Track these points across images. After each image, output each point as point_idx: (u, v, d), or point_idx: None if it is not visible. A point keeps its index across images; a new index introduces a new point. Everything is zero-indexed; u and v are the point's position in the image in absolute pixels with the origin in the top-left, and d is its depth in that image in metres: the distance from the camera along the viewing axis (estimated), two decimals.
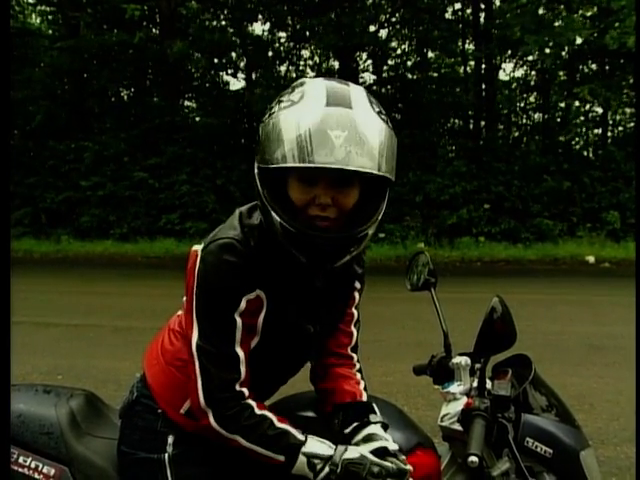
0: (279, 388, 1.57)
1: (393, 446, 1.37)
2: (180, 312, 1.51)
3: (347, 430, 1.41)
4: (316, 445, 1.33)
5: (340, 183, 1.26)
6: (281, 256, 1.33)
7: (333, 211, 1.27)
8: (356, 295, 1.56)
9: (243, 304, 1.33)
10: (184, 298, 1.43)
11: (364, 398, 1.50)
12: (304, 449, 1.32)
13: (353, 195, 1.29)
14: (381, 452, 1.35)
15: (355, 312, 1.57)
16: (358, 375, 1.56)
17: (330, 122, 1.21)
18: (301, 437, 1.34)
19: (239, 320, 1.33)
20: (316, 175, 1.25)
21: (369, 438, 1.39)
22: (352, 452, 1.33)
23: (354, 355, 1.59)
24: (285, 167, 1.22)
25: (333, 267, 1.33)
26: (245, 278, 1.32)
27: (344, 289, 1.51)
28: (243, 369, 1.35)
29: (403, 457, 1.37)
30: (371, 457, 1.32)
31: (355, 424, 1.42)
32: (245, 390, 1.35)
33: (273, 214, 1.27)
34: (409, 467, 1.34)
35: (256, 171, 1.31)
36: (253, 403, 1.35)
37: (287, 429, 1.34)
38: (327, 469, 1.30)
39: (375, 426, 1.41)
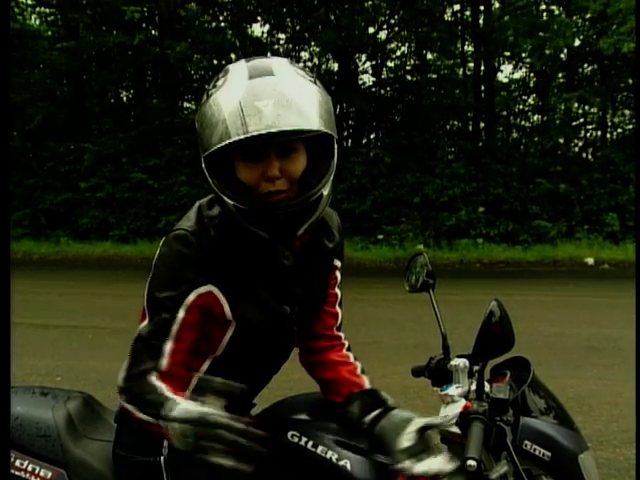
0: (272, 377, 1.55)
1: (432, 420, 1.37)
2: None
3: (367, 418, 1.40)
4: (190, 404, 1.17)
5: (283, 152, 1.27)
6: (244, 240, 1.33)
7: (283, 182, 1.27)
8: (337, 274, 1.55)
9: (192, 297, 1.32)
10: None
11: (368, 385, 1.51)
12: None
13: (300, 162, 1.29)
14: (425, 429, 1.34)
15: (338, 292, 1.57)
16: (351, 357, 1.57)
17: (255, 92, 1.22)
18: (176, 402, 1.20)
19: (181, 314, 1.32)
20: (257, 150, 1.25)
21: (399, 420, 1.38)
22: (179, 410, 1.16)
23: (341, 334, 1.59)
24: (222, 147, 1.23)
25: (296, 237, 1.32)
26: (196, 271, 1.32)
27: (318, 266, 1.49)
28: (164, 363, 1.31)
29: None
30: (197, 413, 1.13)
31: (377, 412, 1.41)
32: (156, 378, 1.30)
33: (225, 199, 1.28)
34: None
35: (203, 165, 1.31)
36: (162, 385, 1.28)
37: (171, 397, 1.23)
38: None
39: (397, 410, 1.41)
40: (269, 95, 1.22)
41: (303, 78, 1.28)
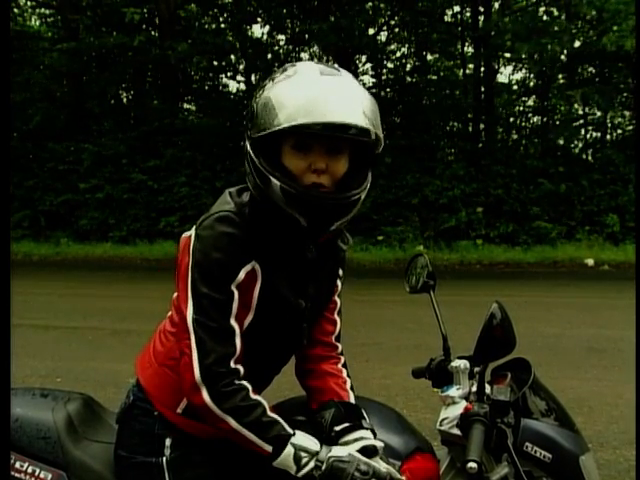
0: (274, 377, 1.56)
1: (380, 444, 1.38)
2: (169, 313, 1.51)
3: (337, 428, 1.40)
4: (304, 439, 1.33)
5: (333, 150, 1.32)
6: (274, 228, 1.36)
7: (327, 178, 1.33)
8: (339, 283, 1.58)
9: (241, 275, 1.34)
10: (175, 295, 1.44)
11: (352, 400, 1.51)
12: (293, 440, 1.32)
13: (344, 163, 1.36)
14: (369, 452, 1.35)
15: (338, 300, 1.59)
16: (344, 372, 1.57)
17: (326, 88, 1.30)
18: (290, 430, 1.34)
19: (236, 292, 1.34)
20: (311, 141, 1.30)
21: (359, 439, 1.39)
22: (340, 450, 1.33)
23: (338, 345, 1.60)
24: (289, 127, 1.26)
25: (329, 231, 1.37)
26: (243, 249, 1.34)
27: (330, 268, 1.52)
28: (238, 343, 1.35)
29: (396, 465, 1.37)
30: (359, 456, 1.32)
31: (347, 424, 1.40)
32: (240, 368, 1.35)
33: (272, 179, 1.31)
34: (403, 478, 1.33)
35: (249, 147, 1.36)
36: (249, 386, 1.34)
37: (278, 419, 1.34)
38: (312, 464, 1.30)
39: (366, 431, 1.41)
40: (338, 93, 1.29)
41: (366, 89, 1.36)
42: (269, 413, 1.34)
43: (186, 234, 1.41)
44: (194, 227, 1.39)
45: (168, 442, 1.43)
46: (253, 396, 1.34)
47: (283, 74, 1.35)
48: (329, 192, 1.33)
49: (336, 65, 1.40)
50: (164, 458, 1.42)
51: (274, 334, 1.44)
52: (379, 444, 1.38)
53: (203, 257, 1.33)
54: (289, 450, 1.30)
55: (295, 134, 1.29)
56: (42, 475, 1.48)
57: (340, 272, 1.57)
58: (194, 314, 1.33)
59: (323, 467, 1.29)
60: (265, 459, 1.32)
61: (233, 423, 1.31)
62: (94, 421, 1.58)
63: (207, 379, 1.32)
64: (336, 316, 1.59)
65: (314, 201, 1.31)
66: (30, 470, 1.49)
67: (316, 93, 1.27)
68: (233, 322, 1.34)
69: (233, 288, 1.33)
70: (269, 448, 1.31)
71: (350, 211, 1.36)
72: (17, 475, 1.48)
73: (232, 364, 1.33)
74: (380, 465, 1.32)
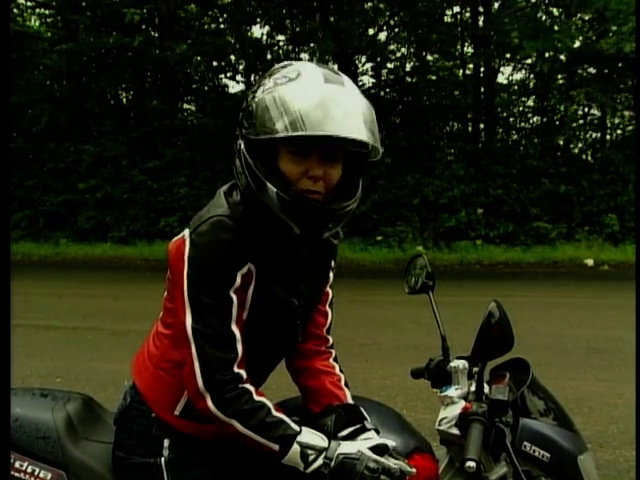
0: (269, 373, 1.56)
1: (392, 443, 1.38)
2: (161, 314, 1.51)
3: (342, 434, 1.40)
4: (311, 436, 1.34)
5: (330, 157, 1.32)
6: (267, 229, 1.35)
7: (322, 185, 1.32)
8: (331, 274, 1.58)
9: (238, 280, 1.33)
10: (165, 295, 1.45)
11: (349, 399, 1.51)
12: (299, 438, 1.32)
13: (338, 171, 1.35)
14: (380, 450, 1.35)
15: (330, 291, 1.60)
16: (337, 368, 1.58)
17: (331, 97, 1.28)
18: (296, 427, 1.34)
19: (234, 297, 1.33)
20: (310, 147, 1.29)
21: (368, 439, 1.39)
22: (348, 447, 1.33)
23: (329, 337, 1.61)
24: (291, 136, 1.25)
25: (320, 239, 1.36)
26: (238, 253, 1.33)
27: (322, 262, 1.53)
28: (240, 348, 1.35)
29: (405, 459, 1.37)
30: (368, 453, 1.32)
31: (351, 429, 1.41)
32: (243, 372, 1.35)
33: (268, 184, 1.29)
34: (413, 470, 1.34)
35: (243, 146, 1.33)
36: (252, 388, 1.35)
37: (284, 418, 1.35)
38: (320, 461, 1.31)
39: (371, 432, 1.41)
40: (342, 103, 1.28)
41: (365, 98, 1.35)
42: (274, 413, 1.34)
43: (177, 238, 1.40)
44: (187, 231, 1.37)
45: (166, 443, 1.43)
46: (257, 398, 1.34)
47: (285, 76, 1.32)
48: (323, 202, 1.33)
49: (336, 69, 1.38)
50: (162, 459, 1.42)
51: (267, 332, 1.44)
52: (390, 443, 1.38)
53: (200, 265, 1.32)
54: (295, 448, 1.31)
55: (300, 141, 1.28)
56: (42, 475, 1.49)
57: (332, 264, 1.57)
58: (193, 323, 1.33)
59: (332, 464, 1.30)
60: (273, 458, 1.33)
61: (238, 426, 1.32)
62: (94, 421, 1.58)
63: (210, 387, 1.32)
64: (327, 308, 1.60)
65: (308, 210, 1.30)
66: (30, 470, 1.49)
67: (320, 104, 1.25)
68: (234, 327, 1.34)
69: (232, 294, 1.33)
70: (276, 447, 1.32)
71: (342, 221, 1.37)
72: (17, 475, 1.49)
73: (235, 369, 1.34)
74: (390, 462, 1.32)
